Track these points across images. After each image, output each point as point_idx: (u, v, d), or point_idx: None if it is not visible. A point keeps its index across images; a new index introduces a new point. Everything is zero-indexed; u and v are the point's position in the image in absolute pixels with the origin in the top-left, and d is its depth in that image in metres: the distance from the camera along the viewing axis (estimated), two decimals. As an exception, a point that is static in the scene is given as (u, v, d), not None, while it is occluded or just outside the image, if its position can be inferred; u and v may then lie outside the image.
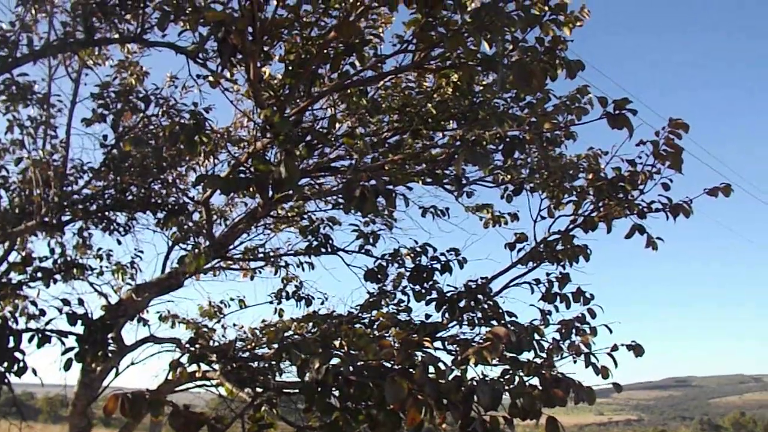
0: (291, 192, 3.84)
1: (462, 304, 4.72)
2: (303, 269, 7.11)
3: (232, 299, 7.43)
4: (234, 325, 7.16)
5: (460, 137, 3.54)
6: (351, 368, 3.18)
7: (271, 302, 6.94)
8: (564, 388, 3.59)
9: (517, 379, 3.76)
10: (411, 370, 2.92)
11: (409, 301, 5.47)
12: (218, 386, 5.33)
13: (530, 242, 5.08)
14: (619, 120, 3.72)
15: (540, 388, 3.58)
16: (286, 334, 4.17)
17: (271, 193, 4.16)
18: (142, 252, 7.19)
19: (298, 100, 4.08)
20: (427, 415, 2.97)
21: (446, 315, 4.80)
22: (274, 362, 4.81)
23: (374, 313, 5.24)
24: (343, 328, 3.89)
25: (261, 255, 7.06)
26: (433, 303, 4.90)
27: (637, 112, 3.77)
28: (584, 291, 5.03)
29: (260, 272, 7.63)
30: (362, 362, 3.23)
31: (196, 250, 4.60)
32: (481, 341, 3.65)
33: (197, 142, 3.52)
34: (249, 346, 5.53)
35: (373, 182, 3.20)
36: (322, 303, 6.71)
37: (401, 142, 4.54)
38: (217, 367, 4.68)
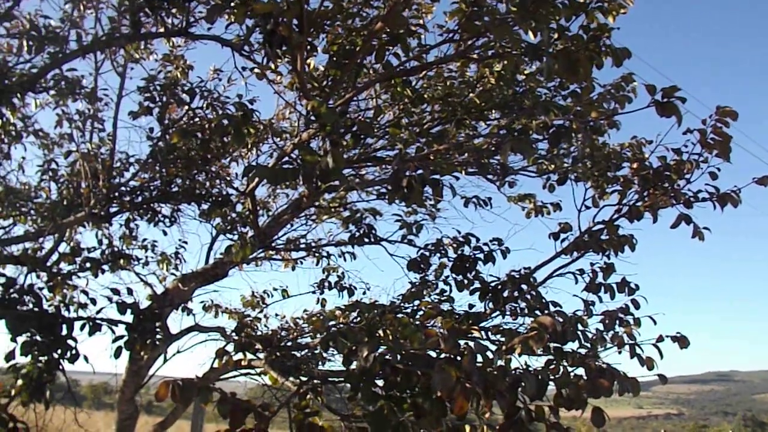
0: (337, 182, 3.87)
1: (505, 293, 4.71)
2: (345, 259, 7.18)
3: (275, 289, 7.52)
4: (276, 315, 7.27)
5: (505, 126, 3.53)
6: (398, 357, 3.19)
7: (313, 292, 7.01)
8: (609, 379, 3.57)
9: (561, 369, 3.75)
10: (458, 358, 2.93)
11: (451, 291, 5.47)
12: (263, 374, 5.41)
13: (574, 232, 5.04)
14: (667, 108, 3.67)
15: (585, 378, 3.57)
16: (331, 323, 4.21)
17: (317, 183, 4.21)
18: (186, 243, 7.33)
19: (342, 92, 4.11)
20: (474, 404, 2.98)
21: (489, 305, 4.79)
22: (318, 351, 4.86)
23: (416, 303, 5.26)
24: (388, 317, 3.92)
25: (303, 245, 7.13)
26: (477, 293, 4.89)
27: (686, 100, 3.71)
28: (629, 281, 4.98)
29: (302, 263, 7.71)
30: (408, 351, 3.25)
31: (242, 240, 4.67)
32: (525, 331, 3.64)
33: (245, 133, 3.57)
34: (292, 336, 5.61)
35: (419, 172, 3.21)
36: (365, 293, 6.76)
37: (445, 132, 4.53)
38: (261, 355, 4.75)
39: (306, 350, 4.80)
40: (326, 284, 6.98)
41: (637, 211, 4.76)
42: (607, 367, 3.63)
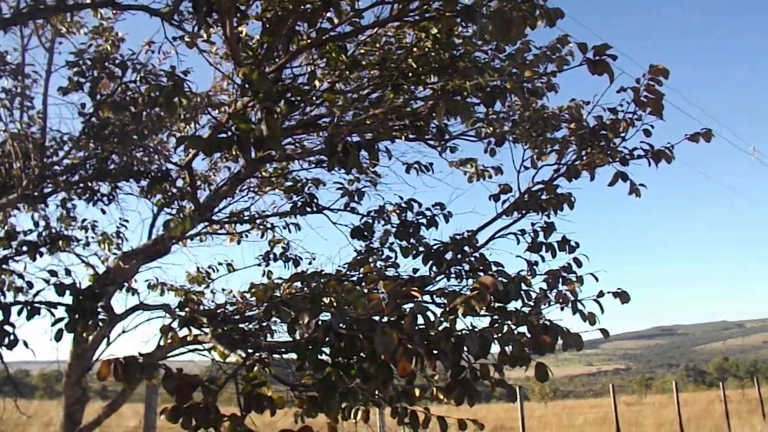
0: (273, 151, 3.82)
1: (449, 256, 4.75)
2: (289, 231, 7.12)
3: (220, 264, 7.45)
4: (223, 290, 7.19)
5: (440, 88, 3.52)
6: (341, 323, 3.20)
7: (258, 265, 6.95)
8: (552, 335, 3.64)
9: (505, 328, 3.81)
10: (401, 321, 2.94)
11: (396, 257, 5.50)
12: (210, 350, 5.36)
13: (514, 193, 5.10)
14: (599, 66, 3.72)
15: (528, 335, 3.63)
16: (275, 294, 4.18)
17: (253, 152, 4.14)
18: (127, 221, 7.17)
19: (276, 59, 4.04)
20: (417, 365, 3.01)
21: (433, 268, 4.83)
22: (264, 323, 4.83)
23: (362, 270, 5.27)
24: (331, 284, 3.91)
25: (246, 218, 7.04)
26: (420, 257, 4.92)
27: (617, 57, 3.76)
28: (569, 240, 5.07)
29: (247, 236, 7.62)
30: (352, 316, 3.25)
31: (182, 214, 4.57)
32: (469, 292, 3.68)
33: (176, 104, 3.48)
34: (240, 309, 5.56)
35: (355, 137, 3.19)
36: (310, 263, 6.74)
37: (382, 98, 4.51)
38: (207, 330, 4.70)
39: (252, 322, 4.77)
40: (271, 256, 6.93)
41: (575, 170, 4.84)
42: (550, 324, 3.71)
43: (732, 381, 68.66)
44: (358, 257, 5.53)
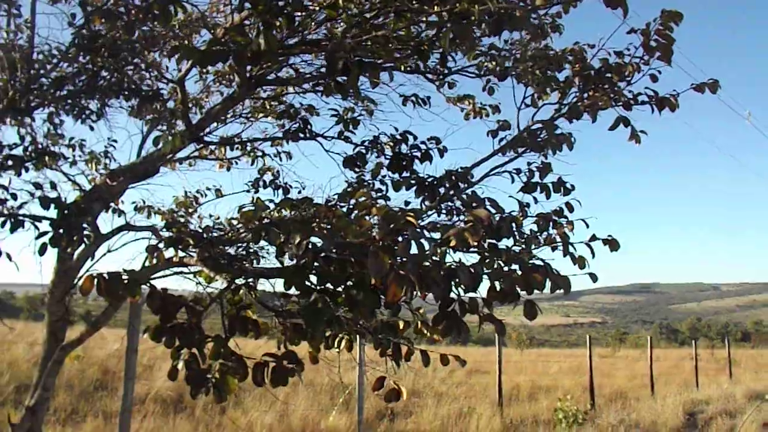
0: (270, 65, 3.69)
1: (442, 190, 4.68)
2: (280, 159, 7.02)
3: (208, 188, 7.36)
4: (210, 215, 7.11)
5: (448, 11, 3.39)
6: (332, 246, 3.14)
7: (248, 191, 6.84)
8: (542, 274, 3.61)
9: (495, 264, 3.77)
10: (394, 247, 2.88)
11: (387, 190, 5.42)
12: (196, 275, 5.31)
13: (513, 131, 5.02)
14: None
15: (520, 273, 3.59)
16: (264, 216, 4.10)
17: (249, 69, 4.01)
18: (115, 141, 7.00)
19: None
20: (407, 293, 2.96)
21: (426, 202, 4.77)
22: (251, 248, 4.78)
23: (352, 202, 5.19)
24: (322, 210, 3.84)
25: (238, 143, 6.91)
26: (413, 189, 4.85)
27: (631, -10, 3.64)
28: (565, 181, 5.01)
29: (236, 163, 7.52)
30: (344, 241, 3.19)
31: (173, 131, 4.45)
32: (462, 225, 3.62)
33: (171, 13, 3.34)
34: (226, 235, 5.49)
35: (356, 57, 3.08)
36: (300, 192, 6.65)
37: (384, 23, 4.35)
38: (194, 252, 4.64)
39: (240, 246, 4.71)
40: (261, 183, 6.83)
41: (577, 111, 4.75)
42: (542, 263, 3.67)
43: (703, 341, 70.27)
44: (349, 189, 5.45)
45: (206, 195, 7.36)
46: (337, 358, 5.09)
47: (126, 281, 3.59)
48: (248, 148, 7.06)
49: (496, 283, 3.50)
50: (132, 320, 7.96)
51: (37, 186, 4.93)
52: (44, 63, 6.17)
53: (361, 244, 3.06)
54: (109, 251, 5.87)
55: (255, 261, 4.99)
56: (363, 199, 3.67)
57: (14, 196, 5.27)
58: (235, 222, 6.23)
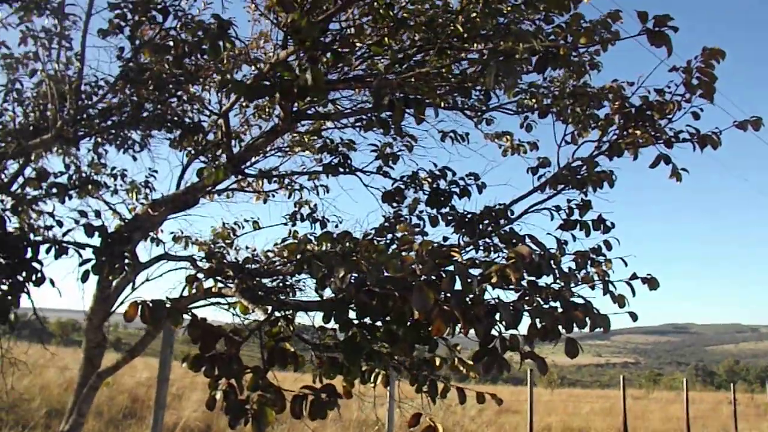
0: (317, 99, 3.75)
1: (481, 226, 4.67)
2: (318, 193, 7.08)
3: (246, 220, 7.42)
4: (247, 247, 7.18)
5: (491, 50, 3.41)
6: (375, 281, 3.14)
7: (285, 224, 6.91)
8: (583, 311, 3.57)
9: (535, 302, 3.74)
10: (437, 282, 2.88)
11: (424, 225, 5.43)
12: (232, 307, 5.35)
13: (552, 168, 5.01)
14: (658, 37, 3.59)
15: (560, 310, 3.56)
16: (307, 248, 4.13)
17: (294, 104, 4.08)
18: (156, 172, 7.15)
19: (323, 9, 3.95)
20: (450, 329, 2.95)
21: (464, 238, 4.77)
22: (288, 280, 4.80)
23: (389, 236, 5.20)
24: (363, 244, 3.85)
25: (276, 176, 6.98)
26: (452, 224, 4.85)
27: (678, 29, 3.64)
28: (605, 219, 4.98)
29: (273, 196, 7.59)
30: (386, 276, 3.19)
31: (216, 162, 4.52)
32: (503, 262, 3.61)
33: (221, 47, 3.42)
34: (263, 268, 5.53)
35: (400, 94, 3.11)
36: (337, 226, 6.69)
37: (426, 61, 4.42)
38: (232, 284, 4.68)
39: (278, 278, 4.73)
40: (298, 216, 6.89)
41: (618, 148, 4.73)
42: (583, 301, 3.64)
43: (741, 384, 68.29)
44: (386, 223, 5.47)
45: (243, 227, 7.43)
46: (366, 394, 5.06)
47: (169, 309, 3.62)
48: (286, 182, 7.13)
49: (537, 321, 3.47)
50: (164, 350, 8.01)
51: (82, 214, 5.04)
52: (91, 94, 6.35)
53: (404, 279, 3.06)
54: (147, 280, 5.95)
55: (291, 294, 5.02)
56: (404, 234, 3.67)
57: (60, 223, 5.38)
58: (271, 254, 6.28)
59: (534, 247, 4.00)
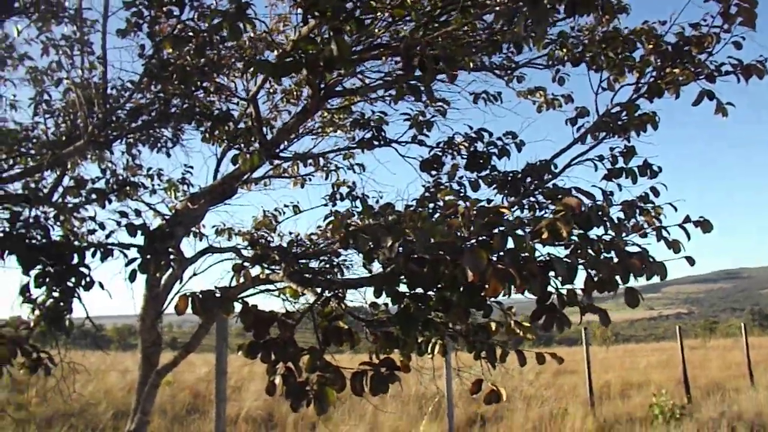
0: (343, 71, 3.66)
1: (524, 185, 4.56)
2: (354, 171, 7.03)
3: (286, 206, 7.42)
4: (290, 233, 7.17)
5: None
6: (424, 247, 3.06)
7: (325, 205, 6.89)
8: (639, 260, 3.45)
9: (588, 254, 3.63)
10: (489, 242, 2.79)
11: (465, 190, 5.33)
12: (281, 293, 5.33)
13: (591, 118, 4.86)
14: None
15: (616, 260, 3.45)
16: (351, 223, 4.07)
17: (322, 80, 4.00)
18: (191, 167, 7.18)
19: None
20: (506, 288, 2.87)
21: (508, 198, 4.66)
22: (337, 258, 4.76)
23: (431, 205, 5.12)
24: (406, 214, 3.78)
25: (311, 157, 6.94)
26: (494, 185, 4.75)
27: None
28: (651, 164, 4.81)
29: (310, 179, 7.56)
30: (435, 241, 3.11)
31: (251, 148, 4.48)
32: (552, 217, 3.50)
33: (240, 28, 3.35)
34: (310, 249, 5.50)
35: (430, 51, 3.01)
36: (377, 201, 6.63)
37: (449, 21, 4.29)
38: (279, 269, 4.65)
39: (324, 259, 4.69)
40: (338, 196, 6.85)
41: (658, 89, 4.55)
42: (639, 249, 3.52)
43: (802, 325, 66.77)
44: (426, 194, 5.38)
45: (284, 213, 7.44)
46: (423, 366, 5.01)
47: (219, 298, 3.61)
48: (321, 163, 7.09)
49: (593, 273, 3.37)
50: (219, 343, 8.08)
51: (123, 214, 5.05)
52: (118, 96, 6.37)
53: (452, 243, 2.98)
54: (194, 275, 5.98)
55: (339, 273, 4.98)
56: (449, 198, 3.58)
57: (102, 226, 5.42)
58: (315, 237, 6.25)
59: (582, 198, 3.88)
